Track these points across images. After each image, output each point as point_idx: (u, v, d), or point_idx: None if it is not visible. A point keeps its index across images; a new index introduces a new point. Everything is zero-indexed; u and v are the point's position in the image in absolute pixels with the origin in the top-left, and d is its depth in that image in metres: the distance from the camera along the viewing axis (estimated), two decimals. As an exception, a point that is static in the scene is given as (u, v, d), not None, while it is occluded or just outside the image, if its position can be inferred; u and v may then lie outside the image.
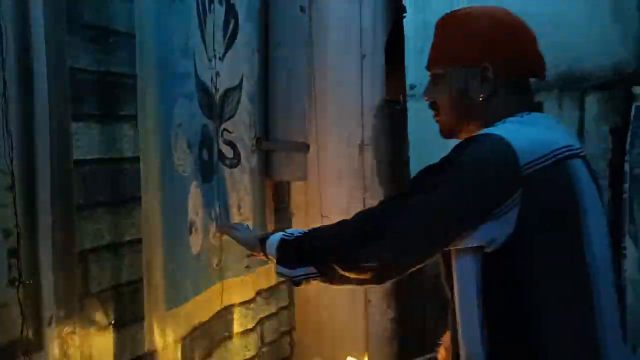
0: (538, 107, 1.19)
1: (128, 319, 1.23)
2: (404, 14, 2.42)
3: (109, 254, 1.19)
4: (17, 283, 0.97)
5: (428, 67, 1.21)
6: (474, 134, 1.11)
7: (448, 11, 2.87)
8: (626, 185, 3.18)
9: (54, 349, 1.04)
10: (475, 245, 1.04)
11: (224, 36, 1.60)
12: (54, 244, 1.04)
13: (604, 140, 3.35)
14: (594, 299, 1.05)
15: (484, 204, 1.02)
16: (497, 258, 1.03)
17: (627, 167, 3.17)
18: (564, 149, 1.07)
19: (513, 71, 1.13)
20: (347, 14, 2.03)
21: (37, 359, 1.01)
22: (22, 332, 0.97)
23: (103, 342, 1.17)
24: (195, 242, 1.44)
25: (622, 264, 3.18)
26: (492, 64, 1.11)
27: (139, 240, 1.26)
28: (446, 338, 1.33)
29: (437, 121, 1.20)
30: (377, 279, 1.12)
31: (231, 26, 1.62)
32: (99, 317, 1.16)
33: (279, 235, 1.24)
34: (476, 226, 1.02)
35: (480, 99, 1.13)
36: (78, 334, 1.10)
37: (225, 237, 1.53)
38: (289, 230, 1.26)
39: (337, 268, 1.11)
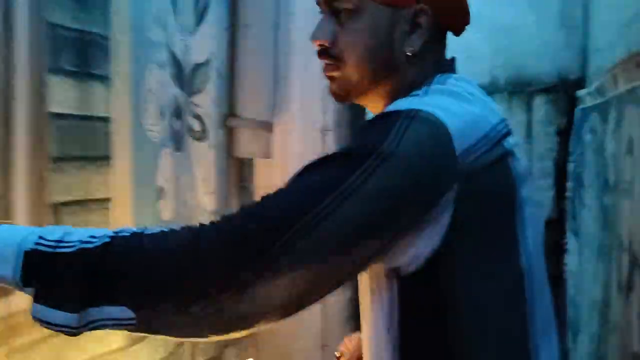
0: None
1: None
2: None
3: (79, 208, 1.21)
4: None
5: None
6: (387, 106, 0.81)
7: None
8: (569, 184, 3.37)
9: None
10: (391, 266, 0.75)
11: (195, 12, 1.64)
12: (29, 190, 1.06)
13: (550, 141, 3.54)
14: (529, 327, 0.80)
15: (412, 211, 0.72)
16: (417, 281, 0.75)
17: (570, 166, 3.36)
18: (501, 125, 0.79)
19: (446, 20, 0.85)
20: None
21: (11, 300, 1.03)
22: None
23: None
24: (166, 209, 1.47)
25: (563, 259, 3.36)
26: (428, 7, 0.82)
27: (108, 199, 1.28)
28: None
29: (333, 77, 0.84)
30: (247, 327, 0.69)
31: (201, 2, 1.67)
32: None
33: (14, 238, 0.67)
34: (397, 241, 0.72)
35: (409, 52, 0.83)
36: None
37: (190, 204, 1.56)
38: (32, 229, 0.69)
39: (180, 314, 0.66)
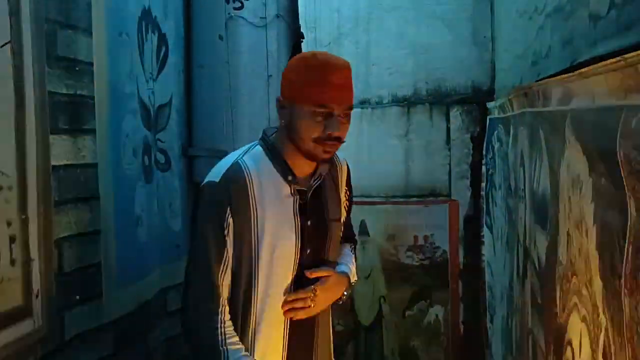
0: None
1: (91, 294, 1.51)
2: (302, 38, 2.83)
3: (76, 241, 1.45)
4: (14, 263, 1.23)
5: (349, 105, 1.31)
6: None
7: (334, 30, 3.54)
8: (483, 184, 3.83)
9: (40, 317, 1.31)
10: None
11: (157, 60, 1.90)
12: (39, 232, 1.30)
13: (467, 146, 3.99)
14: None
15: None
16: None
17: (484, 169, 3.82)
18: None
19: None
20: (255, 40, 2.38)
21: (28, 324, 1.27)
22: (21, 302, 1.23)
23: (74, 311, 1.43)
24: (142, 234, 1.73)
25: (480, 249, 3.83)
26: None
27: (98, 231, 1.53)
28: None
29: (331, 151, 1.32)
30: None
31: (162, 52, 1.92)
32: (70, 291, 1.43)
33: None
34: None
35: None
36: (56, 306, 1.37)
37: (160, 228, 1.83)
38: None
39: None
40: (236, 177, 1.29)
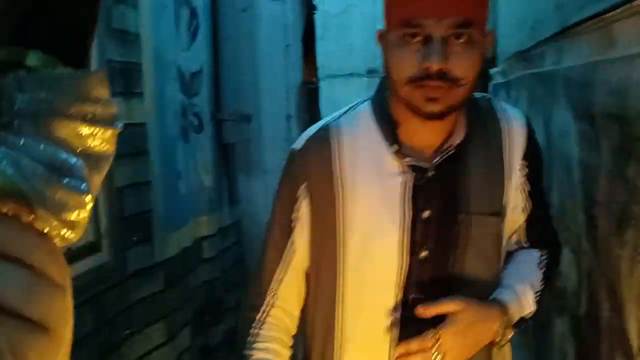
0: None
1: (145, 237, 1.74)
2: (315, 11, 3.02)
3: (132, 190, 1.68)
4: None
5: (464, 20, 0.83)
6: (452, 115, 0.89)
7: (343, 2, 3.69)
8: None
9: (107, 253, 1.54)
10: None
11: (189, 32, 2.10)
12: (105, 179, 1.53)
13: (470, 112, 4.16)
14: None
15: None
16: None
17: (487, 133, 4.00)
18: None
19: None
20: (274, 12, 2.58)
21: (98, 258, 1.51)
22: (90, 238, 1.47)
23: (132, 250, 1.67)
24: (182, 187, 1.96)
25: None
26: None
27: (149, 182, 1.76)
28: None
29: (438, 98, 0.84)
30: None
31: (194, 24, 2.12)
32: (129, 234, 1.66)
33: None
34: None
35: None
36: (120, 245, 1.60)
37: (195, 183, 2.05)
38: None
39: None
40: (320, 146, 0.94)
